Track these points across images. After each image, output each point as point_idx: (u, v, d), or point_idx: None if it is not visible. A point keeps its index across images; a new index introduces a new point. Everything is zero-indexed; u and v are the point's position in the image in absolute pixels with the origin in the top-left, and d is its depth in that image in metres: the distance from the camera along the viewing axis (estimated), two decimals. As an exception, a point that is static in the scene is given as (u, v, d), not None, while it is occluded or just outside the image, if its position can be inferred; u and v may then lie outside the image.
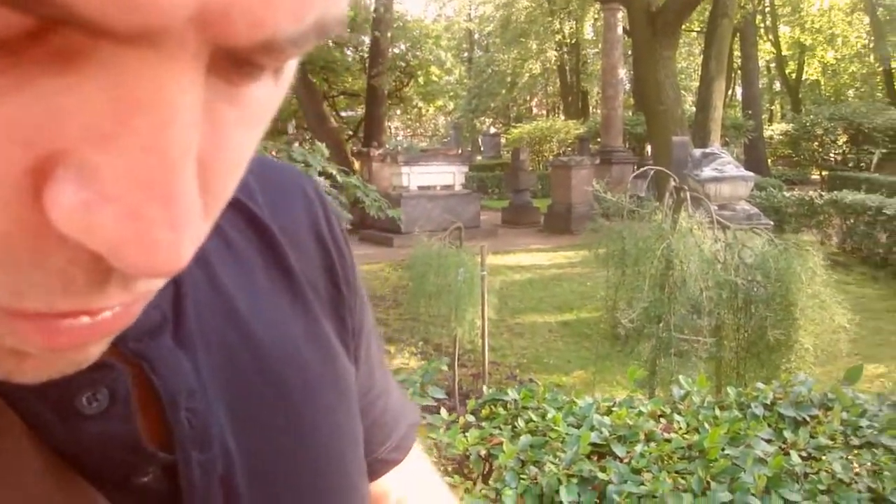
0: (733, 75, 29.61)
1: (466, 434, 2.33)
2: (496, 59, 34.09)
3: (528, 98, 40.02)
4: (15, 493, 0.36)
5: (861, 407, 2.42)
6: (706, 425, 2.32)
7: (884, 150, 22.67)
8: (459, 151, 17.73)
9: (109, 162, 0.24)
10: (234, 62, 0.27)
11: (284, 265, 0.54)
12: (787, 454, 2.12)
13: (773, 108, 39.40)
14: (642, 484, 1.97)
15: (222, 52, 0.26)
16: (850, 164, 23.29)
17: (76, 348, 0.30)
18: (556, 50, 33.35)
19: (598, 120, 21.45)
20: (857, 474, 2.03)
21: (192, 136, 0.26)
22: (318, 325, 0.55)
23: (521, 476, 2.08)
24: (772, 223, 8.18)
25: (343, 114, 24.59)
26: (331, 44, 23.00)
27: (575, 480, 2.02)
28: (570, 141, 25.56)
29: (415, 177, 13.53)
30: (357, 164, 15.15)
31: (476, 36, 40.28)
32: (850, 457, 2.13)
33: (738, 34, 25.25)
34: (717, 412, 2.45)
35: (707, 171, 8.39)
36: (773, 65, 36.14)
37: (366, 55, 21.40)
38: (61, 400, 0.37)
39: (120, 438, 0.39)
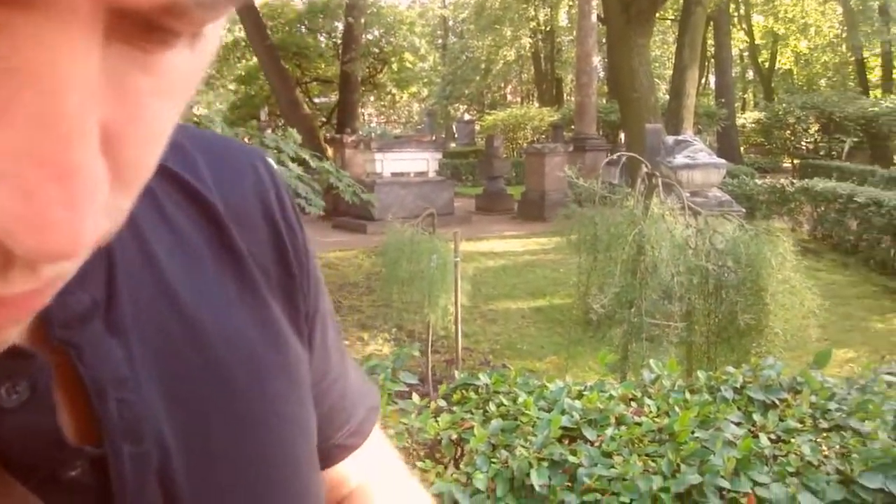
0: (707, 64, 29.77)
1: (438, 419, 2.33)
2: (470, 45, 33.98)
3: (502, 85, 40.01)
4: None
5: (830, 391, 2.44)
6: (676, 409, 2.33)
7: (855, 139, 22.95)
8: (433, 138, 17.75)
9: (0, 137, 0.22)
10: (142, 27, 0.25)
11: (229, 244, 0.51)
12: (757, 437, 2.13)
13: (745, 96, 39.74)
14: (612, 467, 1.98)
15: (123, 15, 0.24)
16: (822, 153, 23.51)
17: None
18: (530, 37, 33.34)
19: (572, 107, 21.52)
20: (825, 457, 2.05)
21: (89, 106, 0.24)
22: (268, 308, 0.52)
23: (493, 460, 2.08)
24: (743, 210, 8.24)
25: (316, 100, 24.49)
26: (304, 29, 22.93)
27: (546, 464, 2.02)
28: (544, 128, 25.60)
29: (388, 163, 13.48)
30: (330, 151, 15.07)
31: (450, 22, 40.21)
32: (818, 439, 2.15)
33: (711, 23, 25.38)
34: (688, 396, 2.47)
35: (679, 159, 8.41)
36: (746, 54, 36.44)
37: (339, 41, 21.34)
38: None
39: (42, 432, 0.36)
